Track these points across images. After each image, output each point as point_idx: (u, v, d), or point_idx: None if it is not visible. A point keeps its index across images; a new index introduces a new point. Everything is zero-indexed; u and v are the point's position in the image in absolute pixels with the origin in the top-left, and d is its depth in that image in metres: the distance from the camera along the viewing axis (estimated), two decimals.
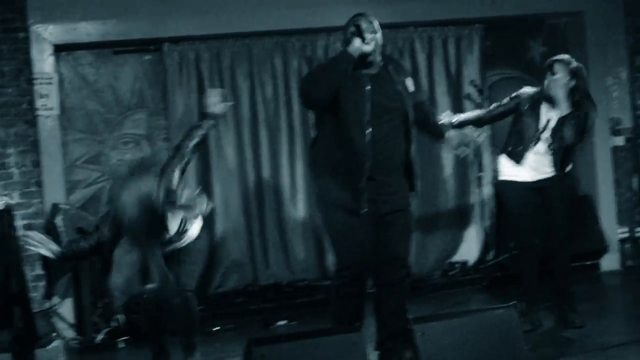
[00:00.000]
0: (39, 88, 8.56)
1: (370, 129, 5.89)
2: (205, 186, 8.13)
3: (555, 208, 7.24)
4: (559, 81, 7.15)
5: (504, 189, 7.46)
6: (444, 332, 5.58)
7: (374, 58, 5.96)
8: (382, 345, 6.22)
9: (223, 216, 9.20)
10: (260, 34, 9.32)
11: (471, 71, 9.88)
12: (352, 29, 5.89)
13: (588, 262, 9.90)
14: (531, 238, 7.24)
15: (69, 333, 8.44)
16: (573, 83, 7.18)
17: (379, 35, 5.97)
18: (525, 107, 7.25)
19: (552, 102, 7.20)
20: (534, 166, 7.24)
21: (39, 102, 8.56)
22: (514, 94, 7.38)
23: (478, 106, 9.24)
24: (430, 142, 7.05)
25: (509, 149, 7.35)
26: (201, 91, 9.08)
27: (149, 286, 6.79)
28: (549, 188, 7.23)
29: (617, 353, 6.31)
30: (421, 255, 9.45)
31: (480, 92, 9.42)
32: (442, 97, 9.82)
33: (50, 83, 8.62)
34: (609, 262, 9.99)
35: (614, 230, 10.02)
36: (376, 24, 5.97)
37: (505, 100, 7.42)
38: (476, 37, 9.96)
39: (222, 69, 9.28)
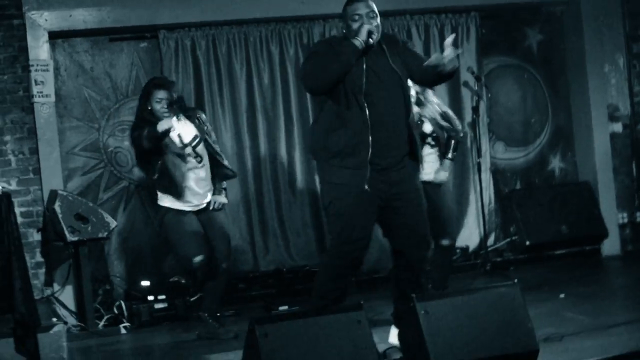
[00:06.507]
0: (35, 75, 8.52)
1: (367, 107, 5.88)
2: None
3: None
4: None
5: None
6: (448, 310, 5.55)
7: (375, 41, 5.94)
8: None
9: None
10: (256, 21, 9.29)
11: (468, 58, 9.85)
12: (354, 17, 5.90)
13: (588, 248, 9.93)
14: None
15: (71, 320, 8.39)
16: None
17: (378, 19, 5.96)
18: None
19: None
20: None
21: (35, 89, 8.52)
22: None
23: (476, 94, 9.23)
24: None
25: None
26: (198, 78, 9.08)
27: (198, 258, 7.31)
28: None
29: (618, 331, 6.31)
30: None
31: (478, 79, 9.39)
32: (440, 85, 9.76)
33: (46, 70, 8.57)
34: (609, 247, 10.02)
35: (613, 216, 10.03)
36: (374, 7, 5.95)
37: None
38: (472, 24, 9.95)
39: (219, 56, 9.25)
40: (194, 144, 7.39)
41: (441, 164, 7.64)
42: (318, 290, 6.14)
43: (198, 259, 7.31)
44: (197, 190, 7.40)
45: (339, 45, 5.97)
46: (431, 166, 7.55)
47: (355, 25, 5.89)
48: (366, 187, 5.91)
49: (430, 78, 6.04)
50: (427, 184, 7.21)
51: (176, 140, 7.33)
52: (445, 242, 7.66)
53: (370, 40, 5.83)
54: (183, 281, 8.63)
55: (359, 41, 5.81)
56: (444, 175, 7.62)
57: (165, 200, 7.38)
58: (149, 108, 7.35)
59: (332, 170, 6.06)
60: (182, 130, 7.40)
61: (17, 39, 8.54)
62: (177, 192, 7.30)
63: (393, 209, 6.07)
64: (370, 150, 5.89)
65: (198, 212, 7.46)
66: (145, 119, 7.30)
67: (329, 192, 6.14)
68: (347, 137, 5.93)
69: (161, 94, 7.34)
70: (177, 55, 9.11)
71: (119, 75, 9.15)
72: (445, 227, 7.63)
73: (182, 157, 7.31)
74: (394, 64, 5.99)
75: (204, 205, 7.47)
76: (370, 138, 5.88)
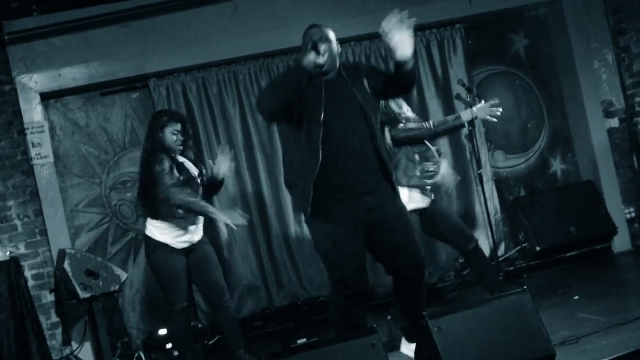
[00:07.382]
0: (31, 137, 8.60)
1: (330, 135, 5.91)
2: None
3: None
4: None
5: None
6: (460, 324, 5.59)
7: (329, 67, 5.99)
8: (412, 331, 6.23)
9: (230, 243, 9.19)
10: (244, 59, 9.35)
11: (457, 71, 9.90)
12: (307, 41, 5.95)
13: (598, 246, 9.92)
14: None
15: None
16: None
17: (334, 44, 6.02)
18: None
19: None
20: None
21: (32, 152, 8.60)
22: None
23: (469, 105, 9.26)
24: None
25: None
26: (192, 121, 9.13)
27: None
28: None
29: (633, 327, 6.33)
30: (432, 258, 9.39)
31: (469, 90, 9.41)
32: (432, 100, 9.83)
33: (41, 131, 8.65)
34: (620, 243, 9.98)
35: (620, 212, 10.02)
36: (331, 34, 6.05)
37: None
38: (458, 37, 9.99)
39: (210, 98, 9.31)
40: (199, 177, 7.42)
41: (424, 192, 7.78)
42: (331, 326, 6.22)
43: (179, 306, 7.36)
44: (192, 226, 7.34)
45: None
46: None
47: (305, 49, 5.96)
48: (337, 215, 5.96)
49: (399, 83, 6.05)
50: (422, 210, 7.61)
51: (192, 169, 7.37)
52: (470, 246, 7.79)
53: (318, 61, 5.86)
54: (200, 325, 8.66)
55: (306, 61, 5.83)
56: (426, 200, 7.72)
57: (158, 233, 7.30)
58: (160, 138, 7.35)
59: (302, 203, 6.12)
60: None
61: (10, 104, 8.61)
62: (181, 225, 7.28)
63: (379, 233, 6.07)
64: (315, 175, 5.91)
65: (188, 252, 7.41)
66: (165, 148, 7.30)
67: (309, 226, 6.27)
68: (312, 167, 5.95)
69: (178, 127, 7.36)
70: (170, 101, 9.17)
71: (114, 128, 9.23)
72: (460, 234, 7.80)
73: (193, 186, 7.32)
74: (357, 92, 6.03)
75: (195, 241, 7.41)
76: (333, 168, 5.92)
